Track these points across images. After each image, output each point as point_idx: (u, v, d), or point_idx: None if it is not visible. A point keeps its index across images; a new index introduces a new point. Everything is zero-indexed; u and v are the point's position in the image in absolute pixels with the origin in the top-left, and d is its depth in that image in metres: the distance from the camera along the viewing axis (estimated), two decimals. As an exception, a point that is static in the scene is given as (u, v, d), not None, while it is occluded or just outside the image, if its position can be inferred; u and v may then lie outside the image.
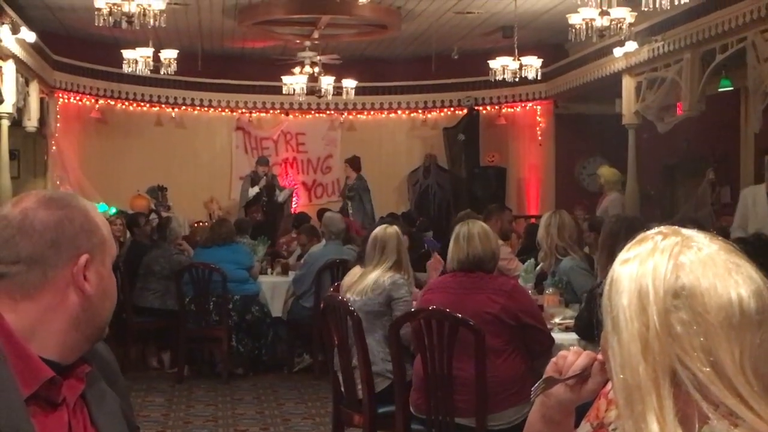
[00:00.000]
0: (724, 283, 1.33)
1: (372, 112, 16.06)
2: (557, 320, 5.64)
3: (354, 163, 14.67)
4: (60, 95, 14.00)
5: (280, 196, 14.57)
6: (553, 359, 1.64)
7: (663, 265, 1.35)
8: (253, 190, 14.31)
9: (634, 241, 1.42)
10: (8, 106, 10.99)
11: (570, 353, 1.62)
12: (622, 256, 1.41)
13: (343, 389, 5.58)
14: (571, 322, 5.47)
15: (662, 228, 1.42)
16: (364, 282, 5.68)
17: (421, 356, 4.89)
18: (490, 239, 5.03)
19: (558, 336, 5.20)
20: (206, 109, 15.58)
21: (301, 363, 9.41)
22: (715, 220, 10.54)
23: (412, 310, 5.18)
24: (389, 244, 5.72)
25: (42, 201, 1.81)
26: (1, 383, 1.67)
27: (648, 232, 1.42)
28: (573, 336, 5.28)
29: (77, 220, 1.81)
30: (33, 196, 1.83)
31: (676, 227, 1.42)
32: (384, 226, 6.03)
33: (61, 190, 2.25)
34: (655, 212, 12.41)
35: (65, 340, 1.78)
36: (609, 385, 1.55)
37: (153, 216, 11.58)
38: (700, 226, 1.47)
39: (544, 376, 1.63)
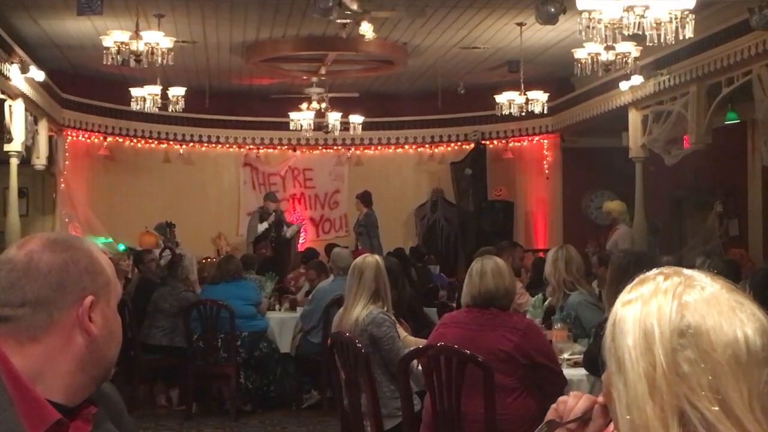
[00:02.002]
0: (730, 322, 1.33)
1: (379, 147, 16.11)
2: (566, 356, 5.61)
3: (364, 198, 14.67)
4: (69, 133, 14.08)
5: (288, 232, 14.58)
6: (553, 405, 1.63)
7: (667, 305, 1.35)
8: (262, 226, 14.32)
9: (634, 282, 1.42)
10: (17, 145, 11.06)
11: (570, 397, 1.62)
12: (623, 297, 1.41)
13: (351, 426, 5.55)
14: (579, 357, 5.44)
15: (663, 268, 1.43)
16: (348, 321, 5.64)
17: (430, 393, 4.86)
18: (503, 276, 4.94)
19: (567, 372, 5.15)
20: (214, 145, 15.64)
21: (309, 399, 9.36)
22: (724, 253, 10.50)
23: (420, 346, 5.15)
24: (366, 273, 5.67)
25: (47, 243, 1.82)
26: (9, 427, 1.67)
27: (648, 273, 1.42)
28: (582, 371, 5.25)
29: (82, 261, 1.81)
30: (38, 238, 1.84)
31: (677, 267, 1.42)
32: (364, 255, 6.02)
33: (65, 233, 2.22)
34: (663, 245, 12.38)
35: (72, 382, 1.78)
36: (611, 427, 1.54)
37: (167, 252, 11.58)
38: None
39: (545, 419, 1.62)
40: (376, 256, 5.97)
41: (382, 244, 14.04)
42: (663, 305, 1.35)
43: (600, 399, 1.55)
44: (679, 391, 1.31)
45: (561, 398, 1.63)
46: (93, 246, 1.88)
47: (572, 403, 1.60)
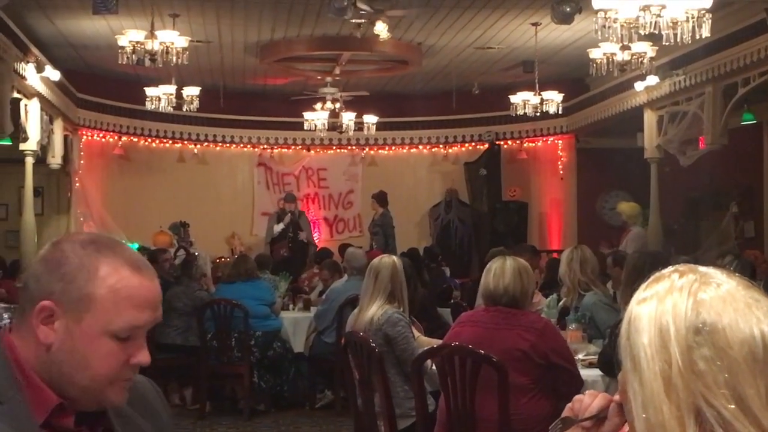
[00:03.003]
0: (746, 319, 1.31)
1: (393, 148, 16.11)
2: (581, 356, 5.59)
3: (380, 198, 14.66)
4: (83, 132, 14.12)
5: (303, 236, 14.49)
6: (569, 405, 1.62)
7: (682, 302, 1.34)
8: (278, 227, 14.33)
9: (649, 280, 1.41)
10: (32, 144, 11.10)
11: (586, 396, 1.61)
12: (638, 295, 1.40)
13: (365, 426, 5.54)
14: (594, 358, 5.42)
15: (678, 266, 1.41)
16: (363, 321, 5.63)
17: (444, 393, 4.85)
18: (521, 275, 4.91)
19: (581, 372, 5.13)
20: (228, 145, 15.67)
21: (322, 399, 9.37)
22: (740, 254, 10.45)
23: (435, 346, 5.14)
24: (382, 273, 5.67)
25: (70, 238, 1.78)
26: (18, 411, 1.68)
27: (663, 271, 1.41)
28: (596, 372, 5.23)
29: (67, 266, 1.72)
30: (78, 233, 1.83)
31: (692, 265, 1.41)
32: (381, 256, 6.02)
33: (110, 236, 2.06)
34: (677, 247, 12.33)
35: (49, 384, 1.73)
36: (626, 427, 1.53)
37: (181, 252, 11.60)
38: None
39: (561, 416, 1.61)
40: (393, 257, 5.96)
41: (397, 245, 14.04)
42: (678, 303, 1.34)
43: (616, 398, 1.54)
44: (695, 389, 1.29)
45: (577, 396, 1.62)
46: (110, 259, 1.74)
47: (588, 401, 1.59)
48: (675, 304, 1.34)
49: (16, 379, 1.70)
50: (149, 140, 15.10)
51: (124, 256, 1.75)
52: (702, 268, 1.39)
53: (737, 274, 1.38)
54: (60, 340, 1.71)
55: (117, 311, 1.72)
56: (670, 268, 1.41)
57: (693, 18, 6.81)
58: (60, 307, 1.70)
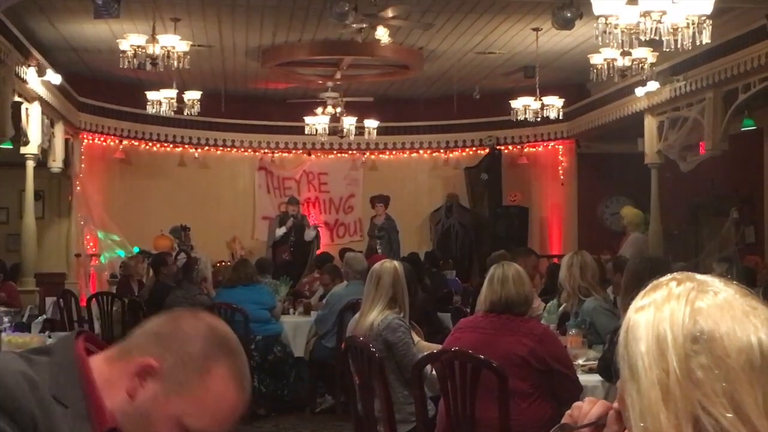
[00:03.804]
0: (743, 327, 1.31)
1: (394, 152, 16.11)
2: (580, 361, 5.58)
3: (388, 201, 14.74)
4: (85, 136, 14.13)
5: (306, 235, 14.54)
6: (568, 412, 1.62)
7: (680, 310, 1.34)
8: (280, 231, 14.34)
9: (647, 288, 1.41)
10: (33, 147, 11.12)
11: (584, 402, 1.61)
12: (636, 303, 1.40)
13: (365, 430, 5.54)
14: (594, 363, 5.42)
15: (675, 274, 1.41)
16: (363, 326, 5.63)
17: (444, 398, 4.85)
18: (523, 282, 4.95)
19: (581, 378, 5.13)
20: (229, 149, 15.68)
21: (323, 404, 9.36)
22: (740, 260, 10.45)
23: (435, 351, 5.14)
24: (384, 278, 5.65)
25: (210, 324, 1.82)
26: (77, 419, 1.70)
27: (661, 279, 1.41)
28: (596, 378, 5.23)
29: (190, 348, 1.75)
30: (221, 321, 1.88)
31: (690, 273, 1.41)
32: (383, 261, 6.02)
33: (237, 340, 2.06)
34: (677, 252, 12.32)
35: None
36: (626, 434, 1.53)
37: (182, 256, 11.60)
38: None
39: (560, 423, 1.61)
40: (395, 262, 5.94)
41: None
42: (676, 311, 1.34)
43: (615, 405, 1.54)
44: (693, 398, 1.29)
45: (576, 403, 1.62)
46: (226, 368, 1.76)
47: (587, 408, 1.59)
48: (672, 312, 1.34)
49: (81, 390, 1.73)
50: (150, 144, 15.11)
51: (241, 370, 1.79)
52: (699, 276, 1.39)
53: (735, 282, 1.38)
54: (142, 399, 1.73)
55: (202, 413, 1.74)
56: (667, 276, 1.41)
57: (693, 24, 6.81)
58: (161, 375, 1.73)
